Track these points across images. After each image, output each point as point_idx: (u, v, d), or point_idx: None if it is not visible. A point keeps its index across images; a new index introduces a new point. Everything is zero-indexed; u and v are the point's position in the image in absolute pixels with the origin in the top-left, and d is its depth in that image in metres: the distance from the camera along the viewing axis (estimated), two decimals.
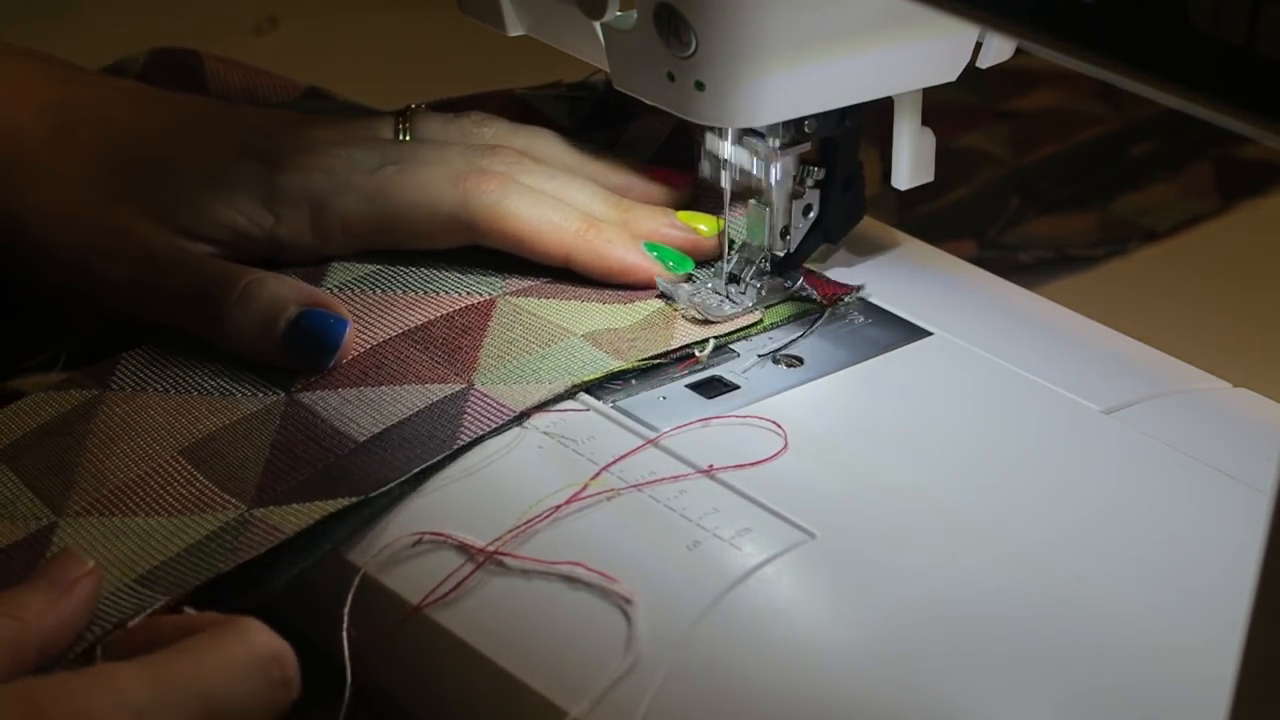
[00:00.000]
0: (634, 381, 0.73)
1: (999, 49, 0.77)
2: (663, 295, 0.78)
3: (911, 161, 0.79)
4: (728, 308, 0.77)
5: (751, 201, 0.79)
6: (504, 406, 0.71)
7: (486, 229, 0.78)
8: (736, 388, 0.74)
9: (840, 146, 0.78)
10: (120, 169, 0.79)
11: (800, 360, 0.76)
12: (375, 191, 0.78)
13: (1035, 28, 0.48)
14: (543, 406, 0.71)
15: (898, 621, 0.63)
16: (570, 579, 0.65)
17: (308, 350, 0.74)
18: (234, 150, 0.79)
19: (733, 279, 0.78)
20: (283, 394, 0.74)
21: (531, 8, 0.79)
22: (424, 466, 0.69)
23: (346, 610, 0.66)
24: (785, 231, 0.79)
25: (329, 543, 0.68)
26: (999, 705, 0.61)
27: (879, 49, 0.73)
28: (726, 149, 0.77)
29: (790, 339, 0.77)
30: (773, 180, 0.78)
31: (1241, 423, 0.74)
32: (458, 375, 0.73)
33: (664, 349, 0.74)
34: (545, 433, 0.70)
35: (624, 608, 0.64)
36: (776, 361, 0.75)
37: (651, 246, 0.79)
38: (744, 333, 0.76)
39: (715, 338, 0.76)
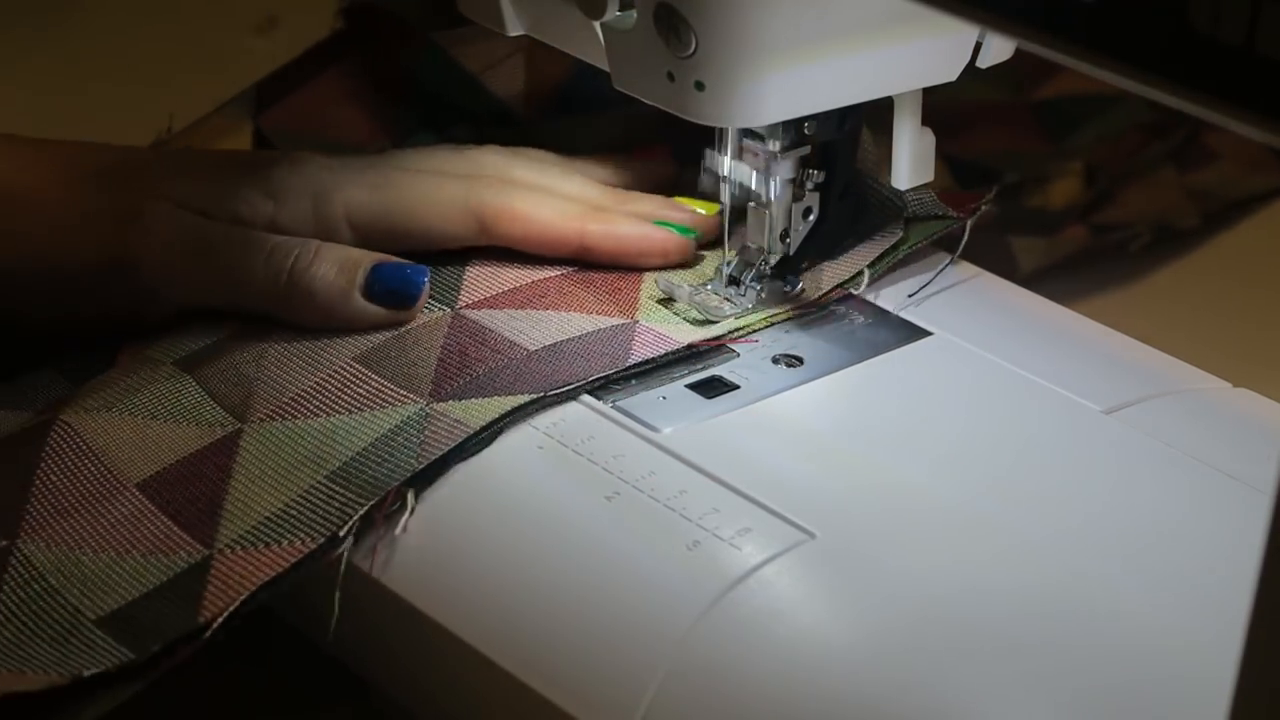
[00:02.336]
0: (634, 381, 0.73)
1: (999, 49, 0.77)
2: (666, 299, 0.78)
3: (911, 161, 0.78)
4: (727, 309, 0.77)
5: (751, 204, 0.79)
6: (671, 339, 0.73)
7: (498, 225, 0.78)
8: (736, 387, 0.74)
9: (839, 152, 0.78)
10: (106, 162, 0.78)
11: (800, 360, 0.76)
12: (381, 183, 0.78)
13: (1035, 28, 0.48)
14: (552, 403, 0.71)
15: (898, 621, 0.63)
16: (569, 578, 0.66)
17: (391, 297, 0.74)
18: (216, 154, 0.80)
19: (733, 281, 0.78)
20: (449, 309, 0.75)
21: (531, 7, 0.79)
22: (602, 376, 0.72)
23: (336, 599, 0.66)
24: (785, 234, 0.79)
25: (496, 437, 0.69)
26: (998, 705, 0.61)
27: (879, 49, 0.73)
28: (726, 164, 0.77)
29: (793, 335, 0.77)
30: (772, 183, 0.78)
31: (1241, 423, 0.74)
32: (621, 312, 0.75)
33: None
34: (545, 433, 0.70)
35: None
36: (776, 361, 0.75)
37: (658, 222, 0.79)
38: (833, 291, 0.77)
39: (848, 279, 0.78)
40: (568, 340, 0.74)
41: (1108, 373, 0.75)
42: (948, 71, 0.76)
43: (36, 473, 0.70)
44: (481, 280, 0.77)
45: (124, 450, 0.71)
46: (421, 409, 0.70)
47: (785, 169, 0.77)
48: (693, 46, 0.71)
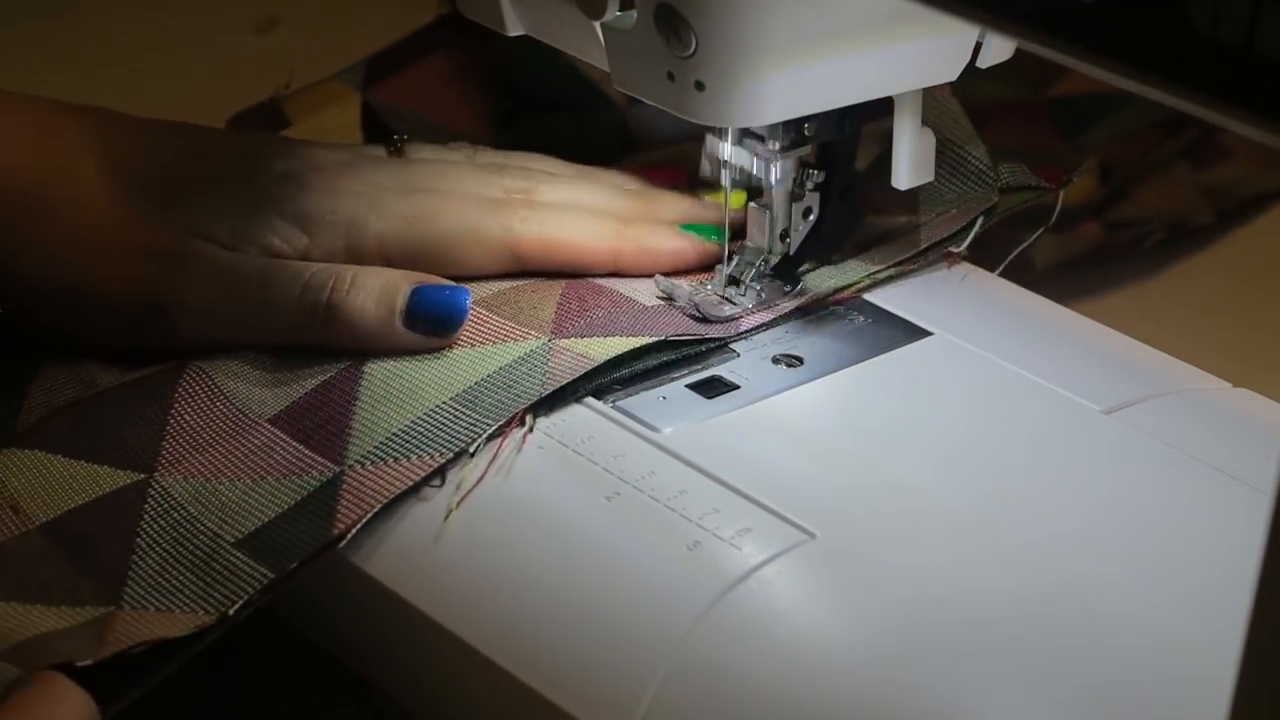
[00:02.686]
0: (634, 382, 0.73)
1: (999, 49, 0.77)
2: (665, 297, 0.78)
3: (911, 161, 0.78)
4: (727, 309, 0.77)
5: (751, 204, 0.79)
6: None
7: (533, 254, 0.78)
8: (736, 387, 0.74)
9: (839, 153, 0.78)
10: (139, 191, 0.76)
11: (800, 360, 0.76)
12: (413, 216, 0.77)
13: (1035, 28, 0.48)
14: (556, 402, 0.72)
15: (898, 621, 0.63)
16: (569, 578, 0.66)
17: (432, 324, 0.73)
18: (251, 170, 0.78)
19: (733, 281, 0.78)
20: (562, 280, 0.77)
21: (531, 7, 0.79)
22: (705, 340, 0.75)
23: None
24: (785, 234, 0.79)
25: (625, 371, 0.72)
26: (998, 705, 0.61)
27: (879, 49, 0.73)
28: (726, 149, 0.77)
29: (793, 334, 0.77)
30: (772, 182, 0.78)
31: (1241, 423, 0.74)
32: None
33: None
34: (545, 433, 0.70)
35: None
36: (776, 361, 0.75)
37: (686, 227, 0.80)
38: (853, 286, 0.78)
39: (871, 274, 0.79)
40: (678, 306, 0.77)
41: (1108, 373, 0.75)
42: (948, 71, 0.76)
43: (170, 413, 0.72)
44: None
45: (254, 390, 0.73)
46: (544, 344, 0.73)
47: (785, 169, 0.77)
48: (693, 46, 0.71)
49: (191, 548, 0.67)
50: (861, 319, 0.78)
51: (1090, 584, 0.64)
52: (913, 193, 0.81)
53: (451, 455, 0.68)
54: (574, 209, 0.79)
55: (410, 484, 0.68)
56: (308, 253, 0.76)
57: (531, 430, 0.70)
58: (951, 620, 0.63)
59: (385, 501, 0.67)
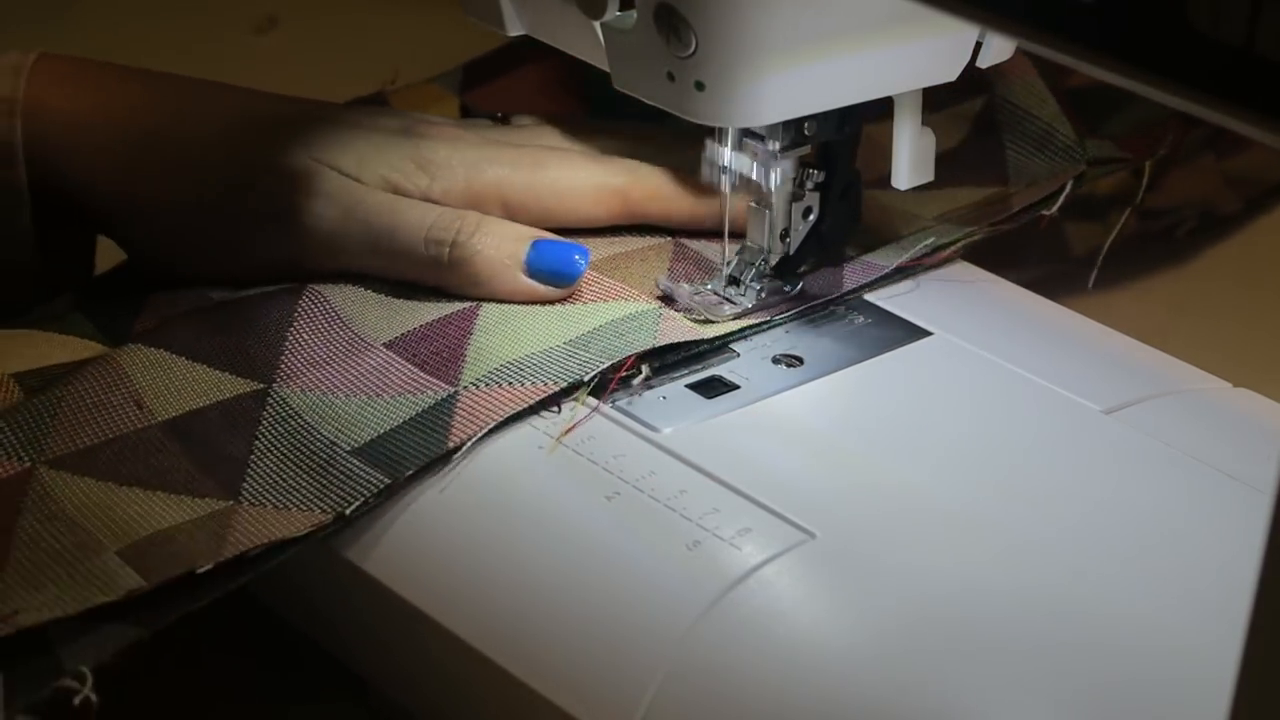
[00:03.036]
0: (633, 382, 0.73)
1: (999, 49, 0.77)
2: (664, 297, 0.78)
3: (911, 161, 0.78)
4: (727, 309, 0.77)
5: (751, 204, 0.79)
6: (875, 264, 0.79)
7: (643, 206, 0.81)
8: (737, 387, 0.74)
9: (839, 154, 0.78)
10: (267, 125, 0.79)
11: (800, 360, 0.76)
12: (534, 163, 0.80)
13: (1035, 28, 0.48)
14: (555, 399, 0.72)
15: (898, 621, 0.63)
16: (569, 578, 0.66)
17: (552, 275, 0.76)
18: (372, 122, 0.81)
19: (733, 281, 0.78)
20: (669, 237, 0.81)
21: (531, 7, 0.79)
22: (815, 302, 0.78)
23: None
24: (785, 234, 0.79)
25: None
26: (998, 705, 0.61)
27: (879, 49, 0.73)
28: (726, 155, 0.77)
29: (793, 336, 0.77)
30: (772, 183, 0.78)
31: (1241, 423, 0.74)
32: None
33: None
34: (546, 433, 0.70)
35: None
36: (776, 361, 0.75)
37: None
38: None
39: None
40: None
41: (1108, 373, 0.75)
42: (948, 71, 0.76)
43: (289, 331, 0.75)
44: None
45: (370, 316, 0.76)
46: (656, 309, 0.75)
47: (785, 169, 0.77)
48: (693, 46, 0.71)
49: (308, 453, 0.70)
50: (861, 319, 0.78)
51: (1090, 584, 0.64)
52: (1003, 166, 0.84)
53: (564, 385, 0.71)
54: (663, 170, 0.81)
55: (523, 406, 0.70)
56: (428, 193, 0.78)
57: (647, 379, 0.73)
58: (951, 620, 0.63)
59: (499, 420, 0.70)
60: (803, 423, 0.72)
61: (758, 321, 0.77)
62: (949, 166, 0.83)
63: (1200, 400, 0.75)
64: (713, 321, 0.76)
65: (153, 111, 0.80)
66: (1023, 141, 0.87)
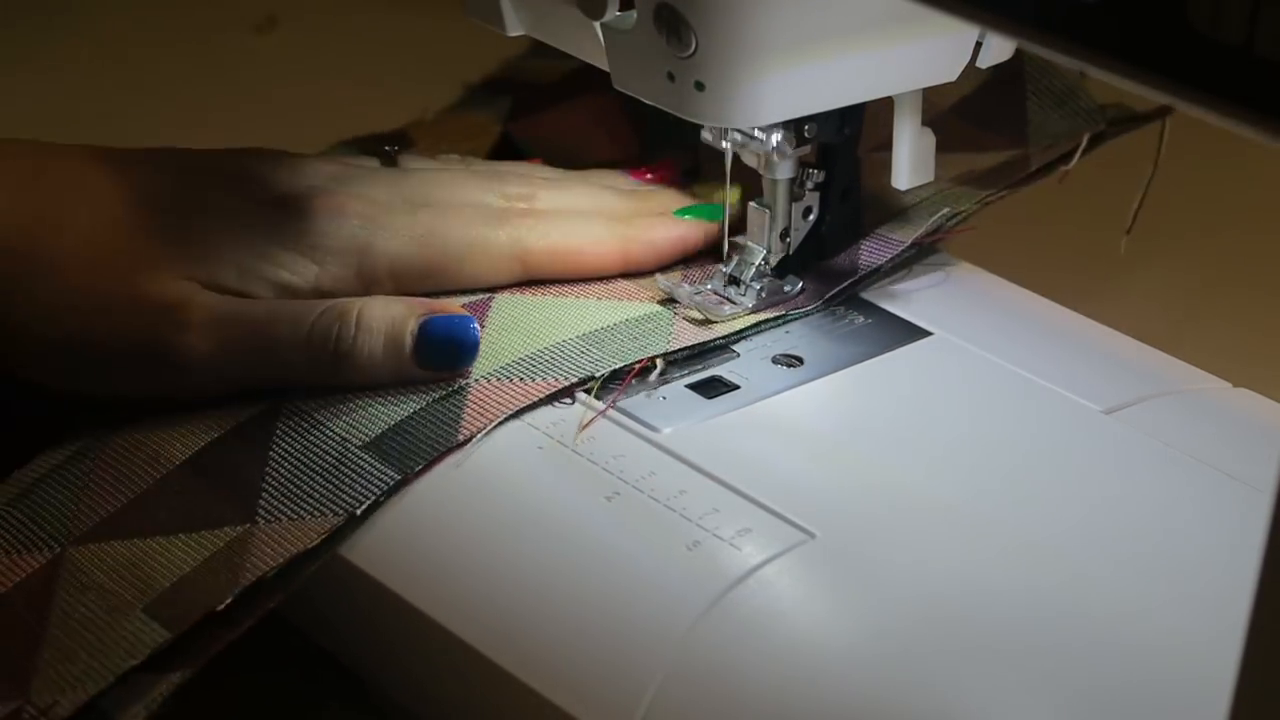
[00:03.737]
0: (635, 381, 0.73)
1: (999, 49, 0.77)
2: (666, 297, 0.78)
3: (911, 161, 0.78)
4: (727, 309, 0.77)
5: (751, 203, 0.79)
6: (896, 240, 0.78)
7: (542, 267, 0.78)
8: (737, 387, 0.74)
9: (839, 155, 0.78)
10: (132, 239, 0.74)
11: (800, 360, 0.76)
12: (421, 234, 0.76)
13: (1035, 28, 0.48)
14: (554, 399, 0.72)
15: (898, 622, 0.63)
16: (570, 578, 0.66)
17: (444, 358, 0.72)
18: (248, 200, 0.76)
19: (733, 280, 0.78)
20: None
21: (531, 7, 0.79)
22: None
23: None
24: (785, 234, 0.79)
25: None
26: (999, 705, 0.61)
27: (879, 49, 0.73)
28: (726, 150, 0.77)
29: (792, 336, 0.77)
30: (773, 182, 0.78)
31: (1241, 423, 0.74)
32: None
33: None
34: (545, 433, 0.70)
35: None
36: (776, 361, 0.75)
37: (681, 211, 0.80)
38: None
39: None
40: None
41: (1108, 373, 0.75)
42: (948, 71, 0.76)
43: None
44: None
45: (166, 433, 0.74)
46: (670, 312, 0.77)
47: (785, 169, 0.78)
48: (693, 46, 0.71)
49: (321, 453, 0.70)
50: (861, 319, 0.78)
51: (1090, 584, 0.64)
52: (1022, 126, 0.84)
53: (576, 380, 0.72)
54: (576, 213, 0.79)
55: (535, 399, 0.71)
56: (319, 282, 0.75)
57: (663, 373, 0.73)
58: (951, 620, 0.63)
59: (510, 412, 0.70)
60: (803, 423, 0.72)
61: (773, 316, 0.77)
62: (969, 116, 0.84)
63: (1200, 400, 0.75)
64: (713, 321, 0.76)
65: (22, 218, 0.73)
66: (1045, 95, 0.87)
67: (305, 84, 1.15)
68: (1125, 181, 0.94)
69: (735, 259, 0.78)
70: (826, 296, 0.78)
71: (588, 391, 0.72)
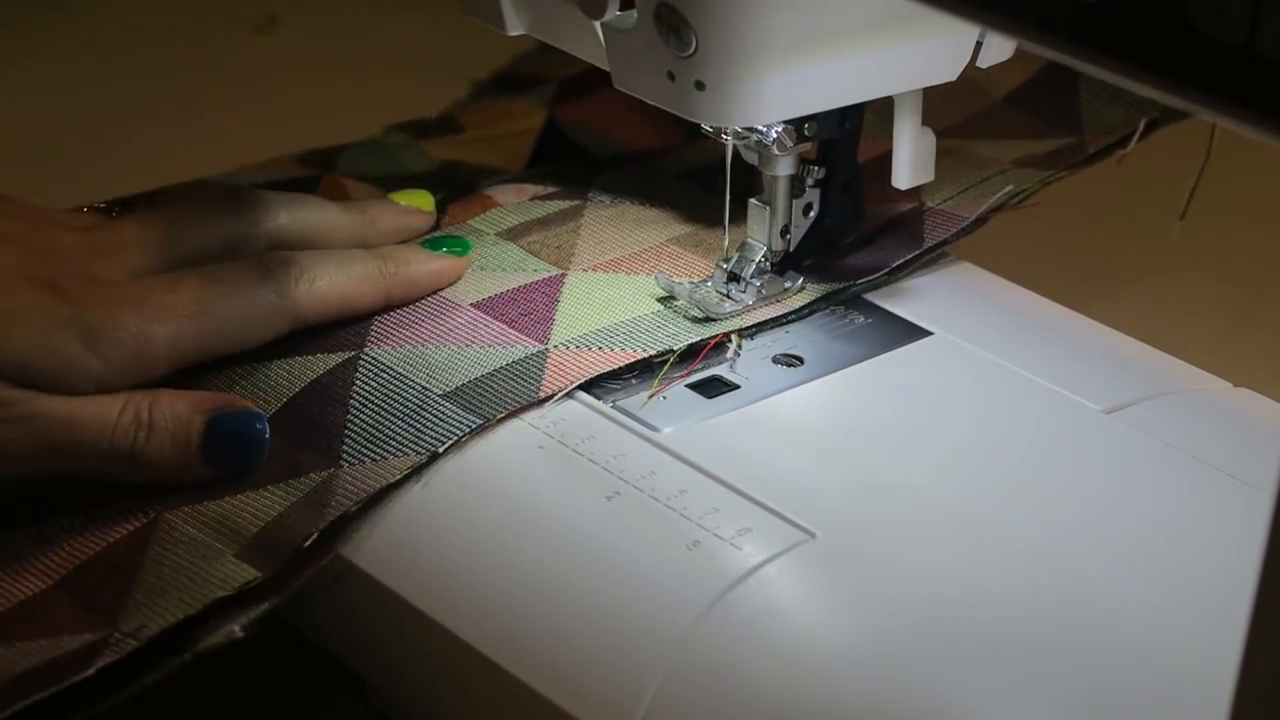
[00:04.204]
0: (634, 381, 0.74)
1: (999, 49, 0.77)
2: (666, 295, 0.78)
3: (911, 161, 0.79)
4: (728, 306, 0.77)
5: (752, 200, 0.79)
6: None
7: (311, 312, 0.76)
8: (737, 387, 0.74)
9: (840, 149, 0.78)
10: None
11: (800, 360, 0.76)
12: (194, 310, 0.74)
13: (1035, 28, 0.48)
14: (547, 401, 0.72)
15: (898, 622, 0.63)
16: (569, 578, 0.66)
17: (232, 455, 0.72)
18: (21, 279, 0.73)
19: (733, 277, 0.78)
20: None
21: (532, 7, 0.79)
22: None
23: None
24: (785, 230, 0.79)
25: None
26: (998, 705, 0.61)
27: (879, 49, 0.73)
28: (724, 141, 0.77)
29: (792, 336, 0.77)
30: (773, 180, 0.78)
31: (1242, 423, 0.74)
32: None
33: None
34: (546, 433, 0.70)
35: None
36: (776, 361, 0.75)
37: (429, 244, 0.80)
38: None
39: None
40: None
41: (1108, 373, 0.75)
42: (948, 71, 0.76)
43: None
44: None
45: (456, 284, 0.79)
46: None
47: (785, 166, 0.78)
48: (693, 46, 0.71)
49: (401, 401, 0.72)
50: (861, 319, 0.78)
51: (1090, 584, 0.64)
52: (1076, 116, 0.85)
53: (654, 352, 0.74)
54: (333, 258, 0.78)
55: (614, 367, 0.73)
56: (102, 377, 0.72)
57: (737, 349, 0.75)
58: (952, 620, 0.63)
59: (589, 376, 0.72)
60: (803, 423, 0.72)
61: (842, 286, 0.79)
62: (1021, 105, 0.85)
63: (1200, 400, 0.75)
64: (714, 320, 0.76)
65: None
66: (1098, 87, 0.87)
67: (305, 84, 1.15)
68: (1127, 182, 0.94)
69: (736, 256, 0.79)
70: (894, 265, 0.79)
71: (662, 363, 0.74)
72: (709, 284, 0.78)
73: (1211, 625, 0.60)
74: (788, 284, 0.79)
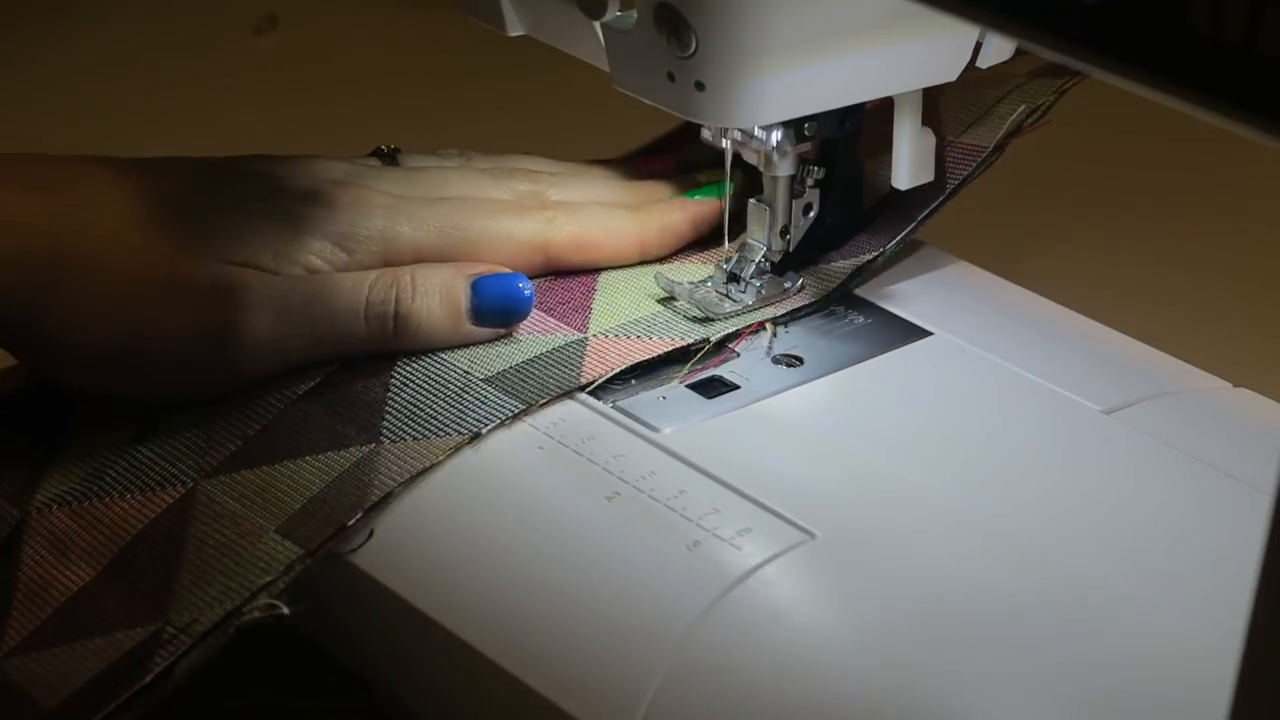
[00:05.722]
0: (634, 381, 0.74)
1: (999, 49, 0.77)
2: (666, 295, 0.78)
3: (911, 161, 0.79)
4: (728, 306, 0.77)
5: (752, 200, 0.79)
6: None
7: (564, 257, 0.79)
8: (737, 387, 0.74)
9: (839, 149, 0.78)
10: (169, 231, 0.73)
11: (800, 360, 0.76)
12: (445, 225, 0.77)
13: (1035, 28, 0.48)
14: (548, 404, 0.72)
15: (897, 622, 0.63)
16: (570, 578, 0.66)
17: (500, 314, 0.75)
18: (275, 191, 0.76)
19: (733, 278, 0.78)
20: None
21: (531, 7, 0.79)
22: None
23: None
24: (785, 230, 0.79)
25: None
26: (998, 705, 0.61)
27: (879, 49, 0.73)
28: (725, 141, 0.78)
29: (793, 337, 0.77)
30: (773, 180, 0.78)
31: (1242, 423, 0.74)
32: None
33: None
34: (545, 433, 0.70)
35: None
36: (777, 361, 0.75)
37: (689, 194, 0.81)
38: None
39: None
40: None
41: (1108, 373, 0.75)
42: (948, 71, 0.76)
43: None
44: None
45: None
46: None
47: (785, 166, 0.78)
48: (693, 46, 0.71)
49: (443, 383, 0.73)
50: (861, 319, 0.78)
51: (1089, 584, 0.64)
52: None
53: (691, 342, 0.75)
54: (600, 207, 0.80)
55: (653, 355, 0.74)
56: (347, 268, 0.75)
57: (774, 335, 0.77)
58: (951, 620, 0.63)
59: (630, 363, 0.73)
60: (803, 423, 0.72)
61: (871, 256, 0.79)
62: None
63: (1200, 400, 0.75)
64: (714, 320, 0.76)
65: (51, 221, 0.72)
66: None
67: (305, 85, 1.15)
68: (1126, 185, 0.95)
69: (735, 256, 0.79)
70: (918, 220, 0.79)
71: (697, 352, 0.74)
72: (709, 284, 0.78)
73: (1211, 625, 0.60)
74: (788, 284, 0.79)
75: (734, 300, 0.78)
